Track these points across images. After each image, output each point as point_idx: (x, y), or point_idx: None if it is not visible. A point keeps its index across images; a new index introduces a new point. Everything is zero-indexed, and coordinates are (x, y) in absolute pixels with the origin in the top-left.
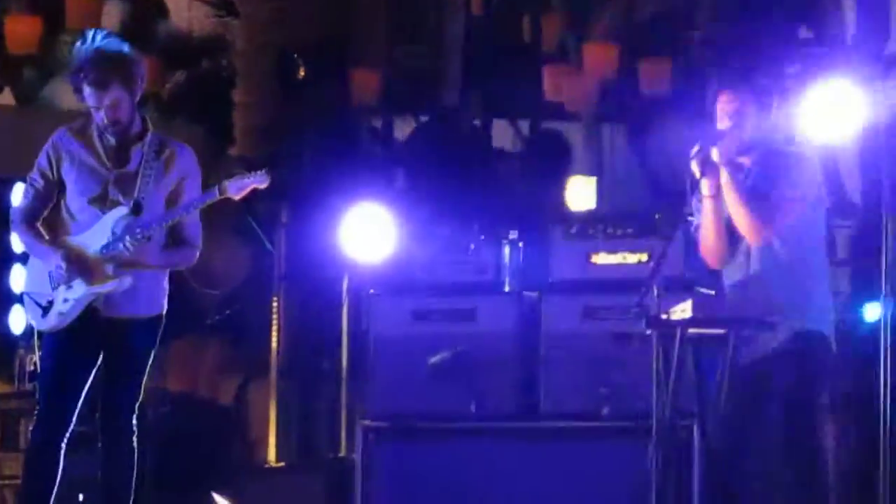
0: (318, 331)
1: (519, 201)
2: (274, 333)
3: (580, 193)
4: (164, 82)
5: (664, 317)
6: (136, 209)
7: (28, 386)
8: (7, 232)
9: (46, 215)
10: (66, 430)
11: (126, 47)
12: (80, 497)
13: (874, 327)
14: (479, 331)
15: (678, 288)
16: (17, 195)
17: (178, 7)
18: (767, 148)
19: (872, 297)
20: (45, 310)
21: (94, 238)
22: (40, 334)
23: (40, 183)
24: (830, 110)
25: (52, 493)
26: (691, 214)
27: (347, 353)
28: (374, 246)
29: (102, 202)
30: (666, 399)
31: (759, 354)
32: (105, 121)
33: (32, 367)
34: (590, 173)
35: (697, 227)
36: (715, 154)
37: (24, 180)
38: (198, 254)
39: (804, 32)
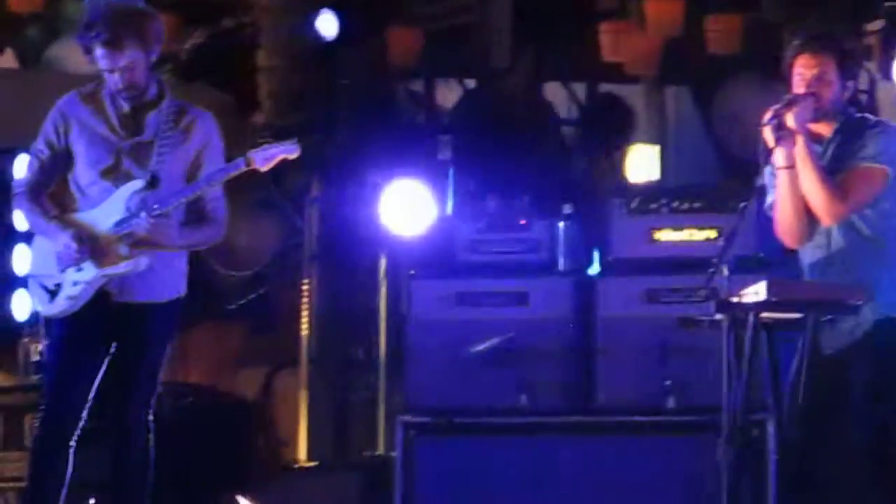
0: (352, 316)
1: (574, 172)
2: (304, 319)
3: (642, 163)
4: (181, 43)
5: (735, 300)
6: (153, 182)
7: (33, 378)
8: (10, 208)
9: (53, 189)
10: (76, 427)
11: (141, 2)
12: (92, 501)
13: None
14: (530, 316)
15: (751, 268)
16: (21, 167)
17: None
18: (848, 116)
19: None
20: (53, 294)
21: (106, 214)
22: (47, 321)
23: (46, 154)
24: None
25: (60, 496)
26: (765, 187)
27: (385, 341)
28: (414, 222)
29: (115, 174)
30: (738, 391)
31: (842, 341)
32: (119, 85)
33: (38, 357)
34: (652, 141)
35: (772, 202)
36: (790, 121)
37: (28, 151)
38: (224, 228)
39: None
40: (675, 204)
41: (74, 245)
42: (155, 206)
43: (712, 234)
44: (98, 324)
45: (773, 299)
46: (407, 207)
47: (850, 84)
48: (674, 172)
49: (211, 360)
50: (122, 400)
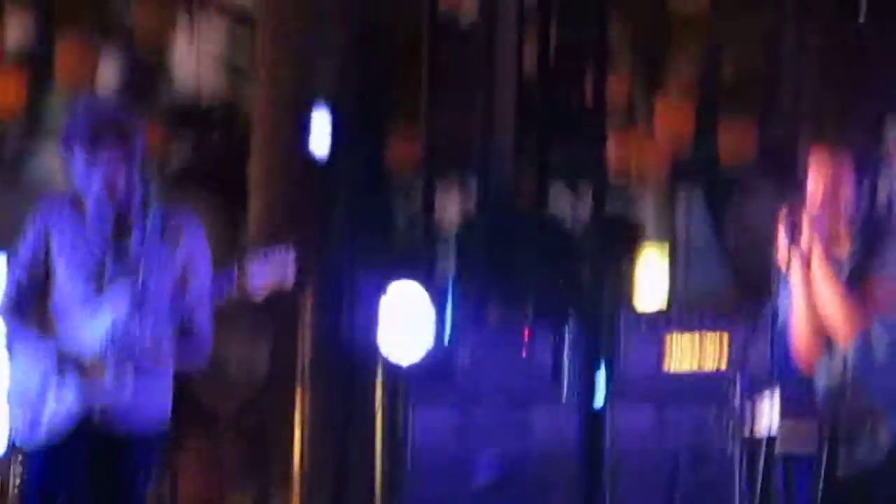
0: (347, 442)
1: (581, 288)
2: (297, 445)
3: (651, 278)
4: (168, 151)
5: (749, 427)
6: (140, 295)
7: None
8: None
9: (33, 302)
10: None
11: (122, 111)
12: None
13: None
14: (534, 446)
15: (764, 391)
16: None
17: (186, 64)
18: (866, 226)
19: None
20: (33, 421)
21: (89, 333)
22: (24, 451)
23: (25, 265)
24: None
25: None
26: (779, 302)
27: (381, 469)
28: (412, 343)
29: (98, 288)
30: None
31: (859, 465)
32: (100, 193)
33: (16, 491)
34: (662, 255)
35: (787, 314)
36: (806, 230)
37: (6, 262)
38: (209, 347)
39: None
40: (686, 326)
41: (59, 365)
42: (143, 321)
43: (724, 354)
44: (78, 454)
45: (788, 426)
46: (404, 326)
47: (868, 187)
48: (684, 286)
49: (199, 482)
50: None
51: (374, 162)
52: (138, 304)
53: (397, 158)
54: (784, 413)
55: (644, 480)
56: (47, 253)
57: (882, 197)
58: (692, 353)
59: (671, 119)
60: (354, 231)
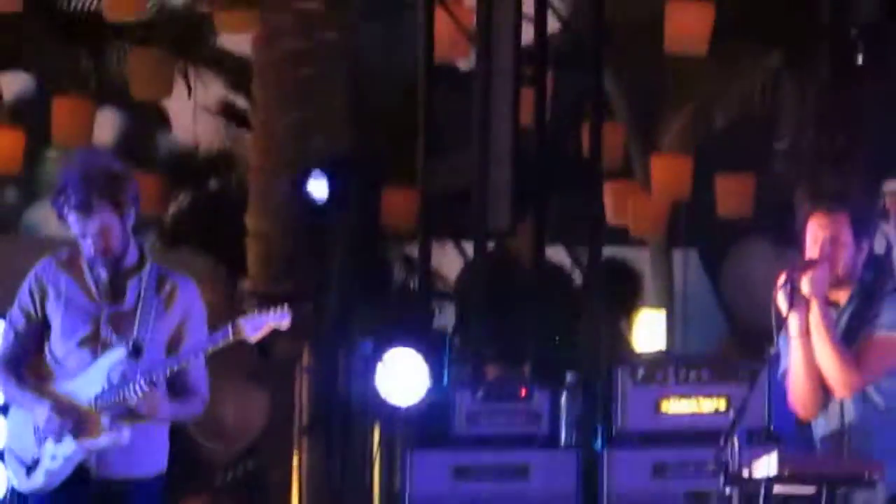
0: (346, 490)
1: (578, 340)
2: (295, 493)
3: (648, 330)
4: (166, 204)
5: (746, 474)
6: (136, 352)
7: None
8: None
9: (30, 360)
10: None
11: (116, 164)
12: None
13: None
14: (532, 491)
15: (761, 440)
16: None
17: (183, 118)
18: (864, 281)
19: None
20: (30, 469)
21: (85, 386)
22: (23, 498)
23: (22, 322)
24: None
25: None
26: (778, 356)
27: None
28: (409, 392)
29: (94, 344)
30: None
31: None
32: (92, 251)
33: None
34: (659, 307)
35: (785, 372)
36: (805, 287)
37: (3, 319)
38: (204, 404)
39: None
40: (683, 374)
41: (56, 417)
42: (139, 377)
43: (721, 404)
44: (77, 501)
45: (786, 473)
46: (402, 377)
47: (865, 246)
48: (681, 339)
49: None
50: None
51: (370, 213)
52: (133, 360)
53: (394, 211)
54: (782, 460)
55: None
56: (43, 311)
57: (880, 254)
58: (690, 401)
59: (667, 172)
60: (351, 281)
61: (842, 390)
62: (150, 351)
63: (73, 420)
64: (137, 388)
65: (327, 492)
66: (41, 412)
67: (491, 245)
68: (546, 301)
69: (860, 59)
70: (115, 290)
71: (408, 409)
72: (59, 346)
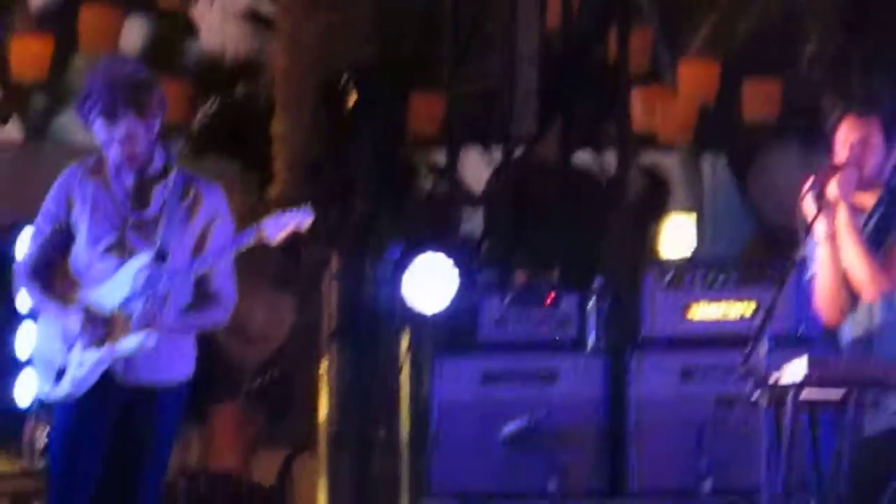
0: (373, 396)
1: (606, 244)
2: (323, 399)
3: (677, 235)
4: (194, 111)
5: (774, 378)
6: (160, 257)
7: (39, 464)
8: (12, 288)
9: (57, 266)
10: None
11: (140, 70)
12: None
13: None
14: (559, 395)
15: (790, 345)
16: (24, 244)
17: (210, 25)
18: (893, 184)
19: None
20: (58, 376)
21: (111, 292)
22: (51, 405)
23: (49, 230)
24: None
25: None
26: (805, 260)
27: (408, 422)
28: (437, 298)
29: (120, 250)
30: (777, 473)
31: (884, 423)
32: (118, 157)
33: (44, 443)
34: (688, 211)
35: (812, 276)
36: (833, 191)
37: (30, 225)
38: (229, 313)
39: None
40: (711, 278)
41: (79, 324)
42: (162, 282)
43: (749, 308)
44: (104, 408)
45: (814, 377)
46: (429, 283)
47: (895, 150)
48: (710, 243)
49: (227, 444)
50: (129, 487)
51: (396, 119)
52: (158, 265)
53: (420, 117)
54: (810, 364)
55: (670, 429)
56: (69, 219)
57: None
58: (718, 305)
59: (695, 77)
60: (378, 188)
61: (869, 293)
62: (175, 256)
63: (105, 327)
64: (160, 292)
65: (355, 397)
66: (74, 321)
67: (519, 150)
68: (574, 206)
69: None
70: (141, 197)
71: (435, 314)
72: (84, 253)
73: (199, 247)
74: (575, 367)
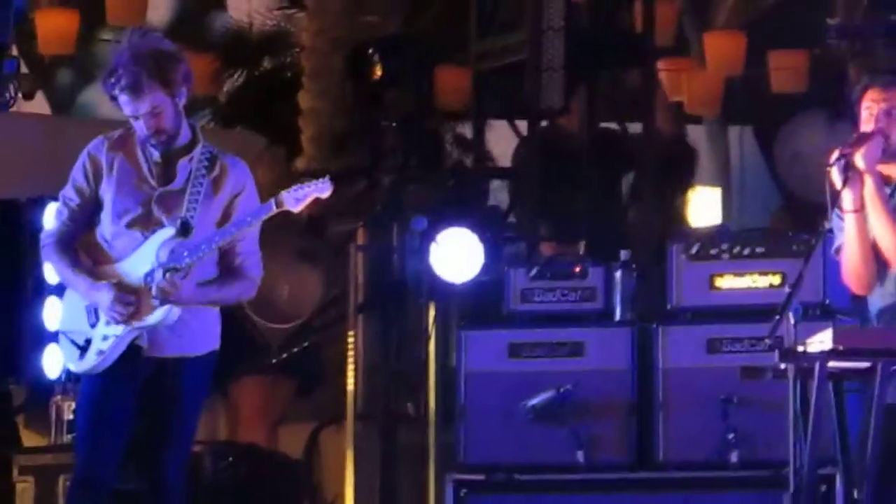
0: (400, 368)
1: (632, 216)
2: (350, 372)
3: (703, 207)
4: (220, 84)
5: (801, 349)
6: (185, 230)
7: (66, 438)
8: (39, 261)
9: (82, 239)
10: (109, 488)
11: (165, 44)
12: None
13: None
14: (586, 367)
15: (817, 316)
16: (50, 217)
17: None
18: None
19: None
20: (83, 349)
21: (136, 265)
22: (77, 378)
23: (76, 202)
24: None
25: None
26: (832, 231)
27: (435, 395)
28: (464, 271)
29: (145, 224)
30: (804, 444)
31: None
32: (145, 131)
33: (71, 416)
34: (715, 184)
35: (839, 247)
36: (859, 161)
37: (56, 199)
38: (256, 286)
39: None
40: (737, 249)
41: (121, 300)
42: (186, 256)
43: (776, 279)
44: (129, 380)
45: (840, 348)
46: (456, 255)
47: None
48: (737, 215)
49: (254, 417)
50: (155, 460)
51: (423, 92)
52: (181, 238)
53: (447, 90)
54: (837, 335)
55: (697, 401)
56: (97, 191)
57: None
58: (744, 277)
59: (721, 48)
60: (405, 160)
61: None
62: (200, 230)
63: (136, 302)
64: (184, 265)
65: (382, 370)
66: (105, 296)
67: (545, 123)
68: (600, 177)
69: None
70: (167, 171)
71: (462, 286)
72: (109, 226)
73: (223, 221)
74: (601, 339)
